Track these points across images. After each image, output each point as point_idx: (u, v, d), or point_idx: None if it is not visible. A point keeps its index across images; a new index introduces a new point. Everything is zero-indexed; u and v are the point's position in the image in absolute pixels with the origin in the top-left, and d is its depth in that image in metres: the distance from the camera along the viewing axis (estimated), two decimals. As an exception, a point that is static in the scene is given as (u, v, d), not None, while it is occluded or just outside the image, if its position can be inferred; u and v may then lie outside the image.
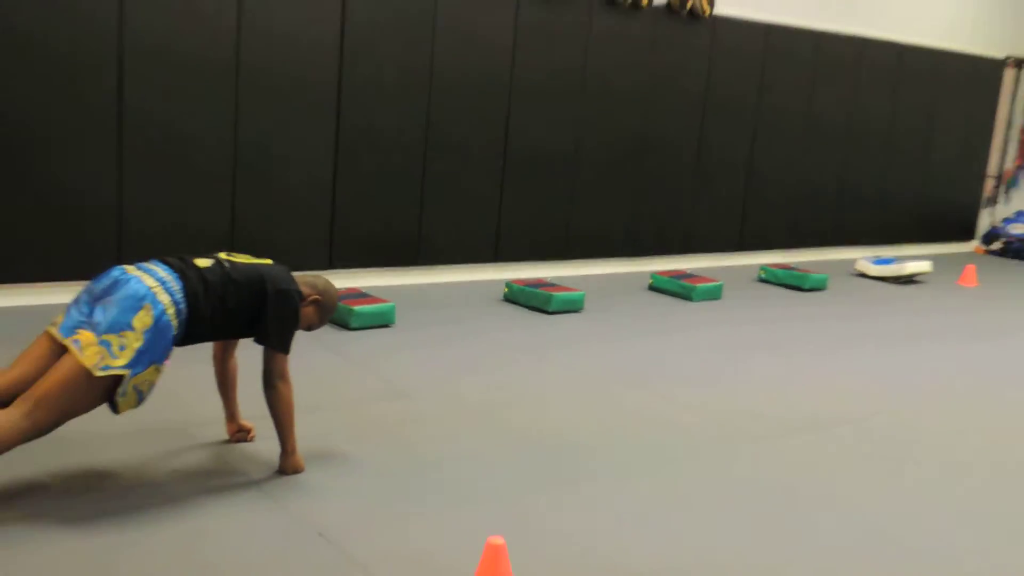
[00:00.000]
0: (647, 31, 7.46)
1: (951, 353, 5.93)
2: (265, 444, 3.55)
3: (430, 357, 4.95)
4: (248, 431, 3.62)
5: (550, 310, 6.07)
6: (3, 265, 5.25)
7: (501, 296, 6.44)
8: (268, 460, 3.43)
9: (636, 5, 7.30)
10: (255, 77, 5.84)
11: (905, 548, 3.17)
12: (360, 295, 5.64)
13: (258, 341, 3.19)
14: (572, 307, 6.15)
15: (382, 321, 5.44)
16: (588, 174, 7.38)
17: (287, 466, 3.31)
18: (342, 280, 6.30)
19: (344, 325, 5.34)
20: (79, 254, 5.42)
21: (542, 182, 7.16)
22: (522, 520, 3.16)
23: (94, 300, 2.92)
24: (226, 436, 3.61)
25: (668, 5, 7.53)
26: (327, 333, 5.18)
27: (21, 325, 4.12)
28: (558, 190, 7.27)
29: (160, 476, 3.29)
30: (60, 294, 5.38)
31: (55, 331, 2.90)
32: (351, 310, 5.33)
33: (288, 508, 3.12)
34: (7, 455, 2.85)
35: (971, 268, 8.57)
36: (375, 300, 5.52)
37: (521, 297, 6.27)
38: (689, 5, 7.57)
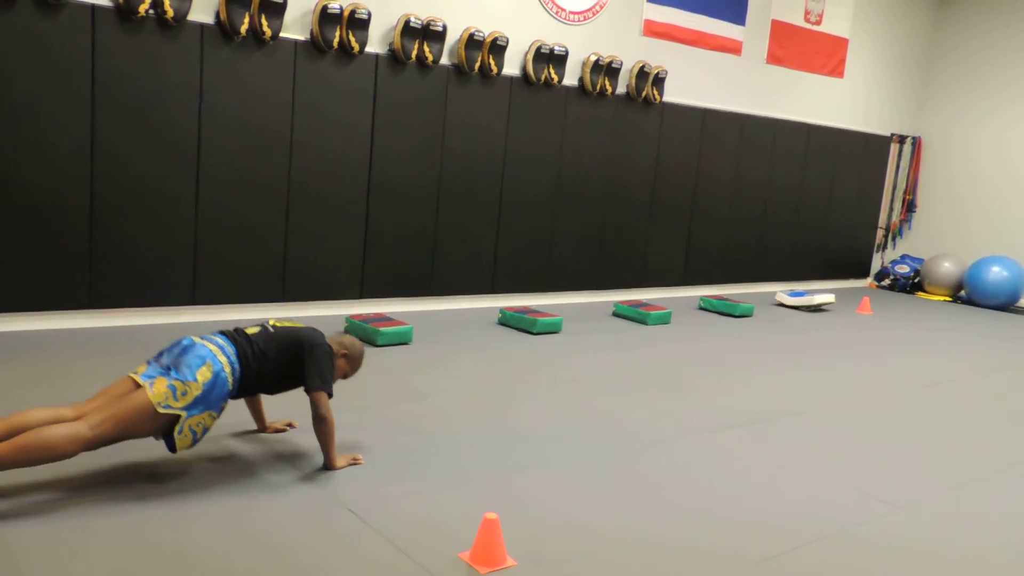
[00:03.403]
0: (611, 113, 7.50)
1: (854, 365, 5.90)
2: (304, 436, 3.49)
3: (440, 368, 4.91)
4: (283, 429, 3.58)
5: (535, 332, 6.03)
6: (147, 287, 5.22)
7: (496, 320, 6.41)
8: (307, 450, 3.38)
9: (602, 94, 7.34)
10: (304, 146, 5.84)
11: (810, 514, 3.13)
12: (384, 319, 5.59)
13: (306, 386, 3.13)
14: (552, 329, 6.12)
15: (402, 339, 5.40)
16: (564, 224, 7.38)
17: (331, 467, 3.23)
18: (370, 306, 6.29)
19: (372, 343, 5.29)
20: (170, 276, 5.40)
21: (528, 230, 7.15)
22: (511, 496, 3.11)
23: (171, 361, 2.94)
24: (269, 434, 3.58)
25: (627, 94, 7.58)
26: (358, 349, 5.13)
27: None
28: (540, 237, 7.26)
29: (214, 464, 3.23)
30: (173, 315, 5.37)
31: (137, 377, 2.89)
32: (377, 331, 5.28)
33: (324, 489, 3.07)
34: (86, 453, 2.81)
35: (867, 299, 8.57)
36: (397, 323, 5.48)
37: (512, 321, 6.23)
38: (644, 94, 7.61)
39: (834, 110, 9.63)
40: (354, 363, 3.41)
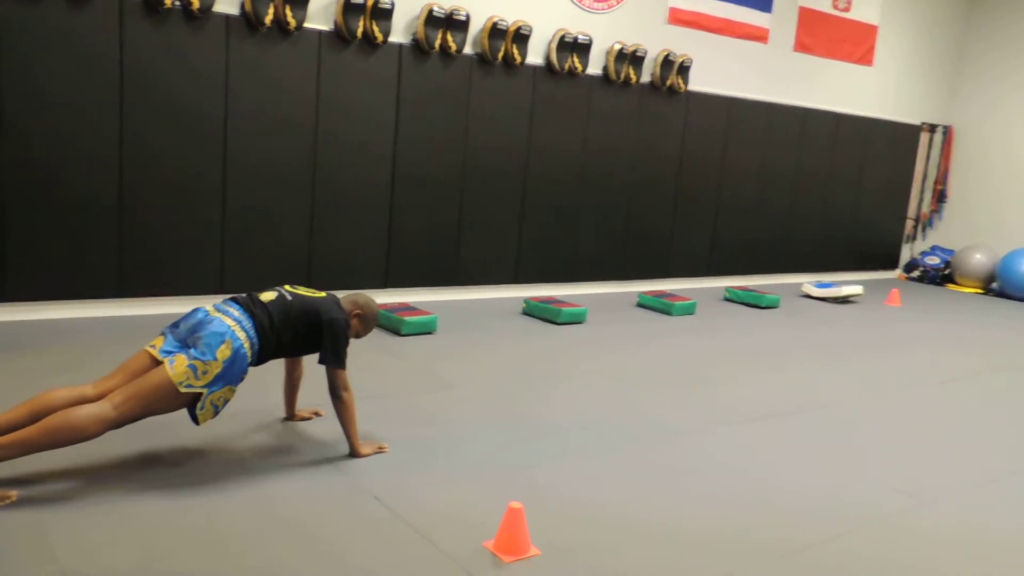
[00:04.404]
0: (635, 102, 7.45)
1: (882, 358, 5.84)
2: (330, 424, 3.52)
3: (464, 357, 4.93)
4: (309, 417, 3.62)
5: (559, 322, 6.03)
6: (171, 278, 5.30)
7: (520, 310, 6.41)
8: (333, 438, 3.41)
9: (626, 83, 7.30)
10: (328, 136, 5.88)
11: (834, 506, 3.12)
12: (409, 308, 5.62)
13: (320, 361, 3.17)
14: (577, 319, 6.11)
15: (427, 329, 5.42)
16: (588, 214, 7.36)
17: (356, 455, 3.27)
18: (394, 296, 6.32)
19: (396, 332, 5.33)
20: (197, 265, 5.48)
21: (552, 220, 7.14)
22: (535, 485, 3.12)
23: (186, 334, 2.94)
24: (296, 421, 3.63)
25: (652, 83, 7.53)
26: (383, 338, 5.17)
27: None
28: (565, 226, 7.25)
29: (242, 451, 3.28)
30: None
31: (154, 351, 2.91)
32: (402, 320, 5.31)
33: (349, 476, 3.10)
34: (115, 437, 2.86)
35: (895, 291, 8.47)
36: (421, 312, 5.50)
37: (536, 311, 6.24)
38: (668, 83, 7.56)
39: (863, 98, 9.50)
40: (367, 323, 3.40)
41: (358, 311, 3.34)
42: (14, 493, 2.67)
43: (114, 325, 5.02)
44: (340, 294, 3.45)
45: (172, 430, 3.29)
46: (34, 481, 2.80)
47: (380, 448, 3.32)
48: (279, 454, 3.25)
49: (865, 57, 9.39)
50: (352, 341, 3.30)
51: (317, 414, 3.66)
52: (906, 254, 10.70)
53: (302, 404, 3.71)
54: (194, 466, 3.06)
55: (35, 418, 2.72)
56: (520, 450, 3.50)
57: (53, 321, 4.99)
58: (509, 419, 3.88)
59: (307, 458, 3.22)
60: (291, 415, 3.61)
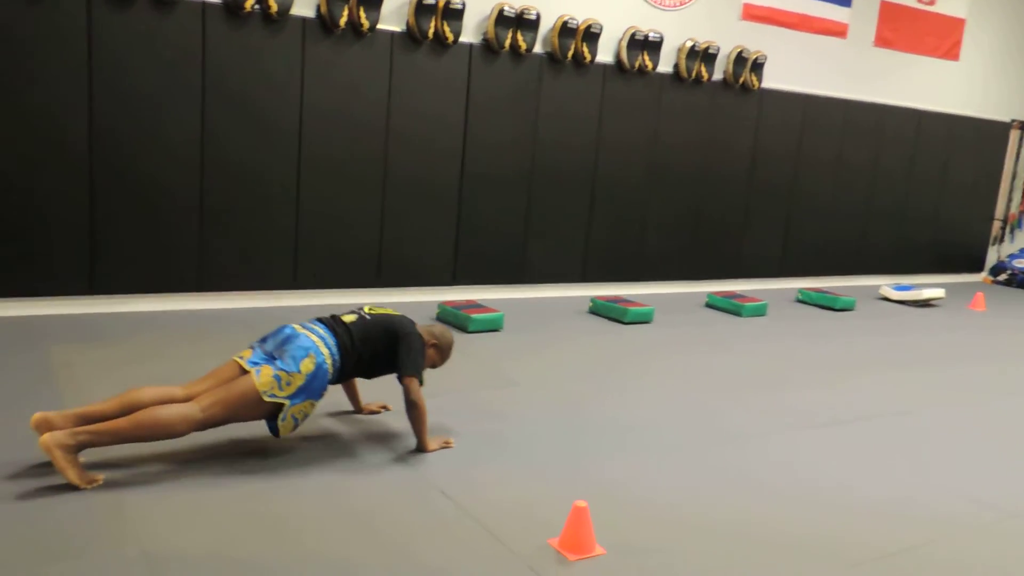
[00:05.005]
0: (707, 100, 7.33)
1: (963, 364, 5.59)
2: (397, 418, 3.57)
3: (531, 355, 4.93)
4: (378, 411, 3.68)
5: (626, 321, 5.98)
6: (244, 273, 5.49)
7: (587, 309, 6.38)
8: (401, 431, 3.46)
9: (698, 80, 7.19)
10: (399, 135, 5.96)
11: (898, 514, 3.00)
12: (476, 305, 5.66)
13: (398, 374, 3.23)
14: (644, 319, 6.05)
15: (494, 326, 5.45)
16: (657, 213, 7.28)
17: (424, 450, 3.31)
18: (462, 293, 6.37)
19: (463, 329, 5.37)
20: (273, 261, 5.63)
21: (620, 219, 7.09)
22: (600, 484, 3.10)
23: (274, 348, 3.08)
24: (364, 415, 3.69)
25: (724, 80, 7.39)
26: (450, 335, 5.21)
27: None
28: (633, 226, 7.18)
29: (314, 443, 3.35)
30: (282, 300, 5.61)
31: (242, 362, 3.04)
32: (469, 317, 5.35)
33: (417, 471, 3.14)
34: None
35: (980, 295, 8.10)
36: (488, 310, 5.53)
37: (603, 310, 6.20)
38: (741, 80, 7.41)
39: (948, 95, 9.12)
40: (443, 353, 3.48)
41: (435, 341, 3.43)
42: (101, 476, 2.80)
43: (194, 318, 5.20)
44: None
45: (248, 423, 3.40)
46: (120, 466, 2.93)
47: (446, 443, 3.36)
48: (349, 447, 3.31)
49: (951, 52, 9.01)
50: None
51: (385, 408, 3.72)
52: (992, 256, 10.23)
53: (370, 399, 3.77)
54: (266, 456, 3.14)
55: (125, 412, 2.87)
56: (586, 448, 3.48)
57: (137, 313, 5.20)
58: (575, 417, 3.87)
59: (375, 451, 3.28)
60: (358, 409, 3.68)
